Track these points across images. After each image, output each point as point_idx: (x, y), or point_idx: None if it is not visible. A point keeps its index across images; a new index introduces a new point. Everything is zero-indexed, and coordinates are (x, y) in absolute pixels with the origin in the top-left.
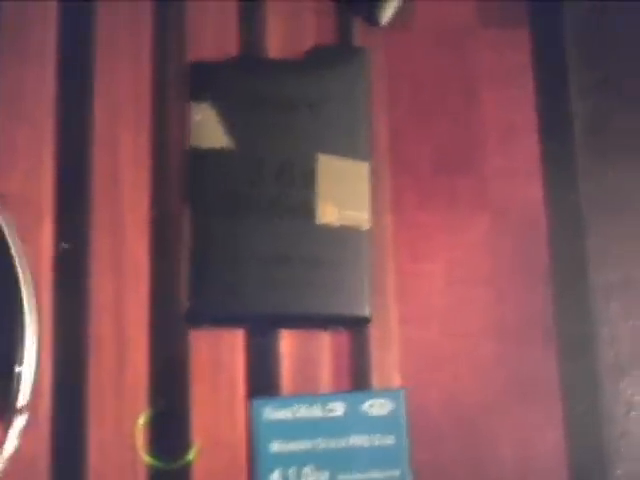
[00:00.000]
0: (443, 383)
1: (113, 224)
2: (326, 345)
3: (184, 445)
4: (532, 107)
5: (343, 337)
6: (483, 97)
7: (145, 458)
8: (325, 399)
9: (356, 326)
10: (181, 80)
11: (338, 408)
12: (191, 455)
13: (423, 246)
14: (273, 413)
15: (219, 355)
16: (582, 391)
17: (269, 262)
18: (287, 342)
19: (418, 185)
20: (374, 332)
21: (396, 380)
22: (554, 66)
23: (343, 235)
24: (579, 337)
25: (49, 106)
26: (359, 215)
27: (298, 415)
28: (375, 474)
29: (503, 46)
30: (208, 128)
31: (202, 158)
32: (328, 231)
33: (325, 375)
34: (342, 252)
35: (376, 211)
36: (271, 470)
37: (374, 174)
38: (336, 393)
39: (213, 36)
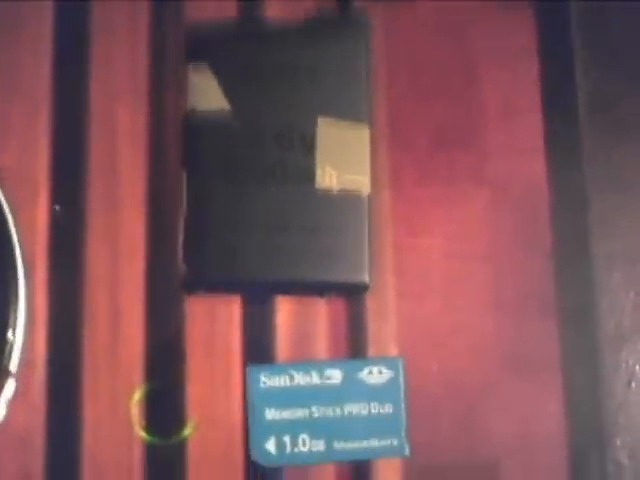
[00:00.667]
0: (440, 358)
1: (109, 198)
2: (323, 316)
3: (180, 419)
4: (536, 86)
5: (340, 309)
6: (485, 76)
7: (140, 434)
8: (322, 366)
9: (355, 293)
10: (178, 56)
11: (335, 376)
12: (187, 431)
13: (421, 221)
14: (269, 380)
15: (215, 326)
16: (582, 362)
17: (267, 228)
18: (283, 311)
19: (416, 161)
20: (371, 304)
21: (393, 353)
22: (559, 46)
23: (343, 200)
24: (580, 308)
25: (45, 81)
26: (359, 179)
27: (294, 382)
28: (372, 443)
29: (506, 26)
30: (206, 90)
31: (199, 121)
32: (328, 196)
33: (321, 347)
34: (342, 218)
35: (374, 186)
36: (266, 437)
37: (372, 150)
38: (334, 360)
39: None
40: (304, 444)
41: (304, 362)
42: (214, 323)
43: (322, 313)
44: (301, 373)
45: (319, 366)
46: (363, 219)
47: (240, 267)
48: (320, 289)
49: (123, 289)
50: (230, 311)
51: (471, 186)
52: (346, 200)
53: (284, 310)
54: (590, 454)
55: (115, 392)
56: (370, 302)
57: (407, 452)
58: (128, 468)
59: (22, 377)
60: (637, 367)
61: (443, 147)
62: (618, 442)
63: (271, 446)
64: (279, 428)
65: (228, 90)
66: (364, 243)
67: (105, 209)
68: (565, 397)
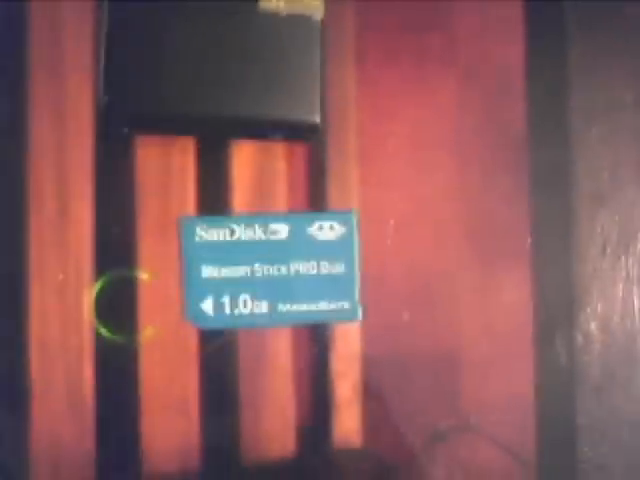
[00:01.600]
0: (403, 247)
1: (53, 68)
2: (282, 165)
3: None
4: None
5: (300, 159)
6: None
7: (96, 327)
8: (266, 219)
9: (304, 135)
10: None
11: (281, 230)
12: (143, 334)
13: (386, 105)
14: (206, 233)
15: (168, 176)
16: (554, 227)
17: (199, 55)
18: (241, 162)
19: (383, 41)
20: (332, 191)
21: None
22: None
23: (291, 24)
24: (554, 167)
25: None
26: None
27: (235, 237)
28: (321, 305)
29: None
30: None
31: None
32: (273, 19)
33: (280, 197)
34: (290, 44)
35: (338, 67)
36: (202, 298)
37: (337, 29)
38: (279, 213)
39: None
40: (245, 305)
41: (245, 215)
42: (168, 170)
43: (281, 162)
44: (243, 226)
45: (263, 219)
46: (314, 47)
47: (166, 98)
48: (262, 127)
49: (70, 162)
50: (184, 160)
51: (440, 68)
52: (295, 23)
53: (241, 161)
54: (558, 325)
55: (64, 271)
56: (331, 189)
57: (359, 315)
58: (78, 350)
59: None
60: (613, 232)
61: (411, 26)
62: (589, 311)
63: (208, 306)
64: (217, 287)
65: None
66: (315, 76)
67: (49, 81)
68: (534, 267)
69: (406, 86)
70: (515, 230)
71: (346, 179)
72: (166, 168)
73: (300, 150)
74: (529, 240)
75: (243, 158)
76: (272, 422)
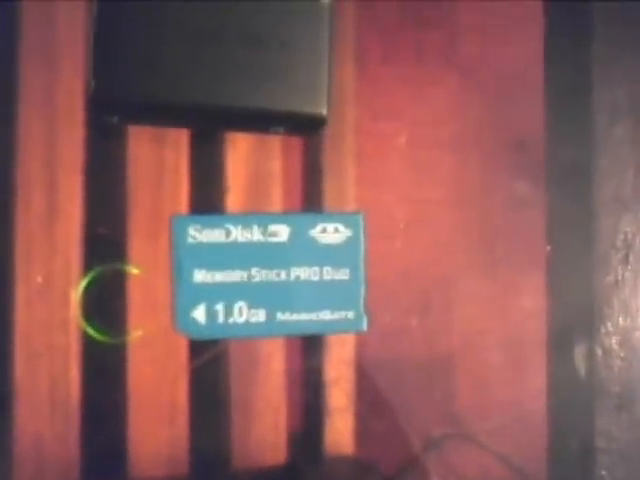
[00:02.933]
0: (399, 251)
1: (44, 60)
2: (277, 164)
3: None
4: None
5: (296, 157)
6: None
7: (83, 327)
8: (265, 220)
9: (309, 128)
10: None
11: (281, 232)
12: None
13: (385, 103)
14: (200, 234)
15: (160, 172)
16: (572, 232)
17: (198, 38)
18: (235, 154)
19: (383, 38)
20: (329, 189)
21: None
22: None
23: (297, 6)
24: (573, 167)
25: None
26: None
27: (231, 238)
28: (323, 314)
29: None
30: None
31: None
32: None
33: (275, 195)
34: (295, 28)
35: (337, 62)
36: (195, 304)
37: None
38: (279, 213)
39: None
40: (240, 314)
41: (243, 214)
42: (161, 165)
43: (277, 161)
44: (240, 227)
45: (262, 219)
46: (322, 32)
47: (160, 86)
48: (264, 121)
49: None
50: (177, 158)
51: (440, 67)
52: (301, 6)
53: (236, 158)
54: (576, 338)
55: (50, 267)
56: (328, 189)
57: (364, 326)
58: (64, 349)
59: None
60: (637, 239)
61: (412, 23)
62: (609, 325)
63: (200, 315)
64: (210, 293)
65: None
66: (322, 64)
67: (41, 69)
68: (550, 275)
69: (405, 84)
70: (521, 233)
71: (343, 179)
72: (158, 164)
73: (296, 148)
74: (547, 247)
75: (238, 155)
76: (263, 428)
